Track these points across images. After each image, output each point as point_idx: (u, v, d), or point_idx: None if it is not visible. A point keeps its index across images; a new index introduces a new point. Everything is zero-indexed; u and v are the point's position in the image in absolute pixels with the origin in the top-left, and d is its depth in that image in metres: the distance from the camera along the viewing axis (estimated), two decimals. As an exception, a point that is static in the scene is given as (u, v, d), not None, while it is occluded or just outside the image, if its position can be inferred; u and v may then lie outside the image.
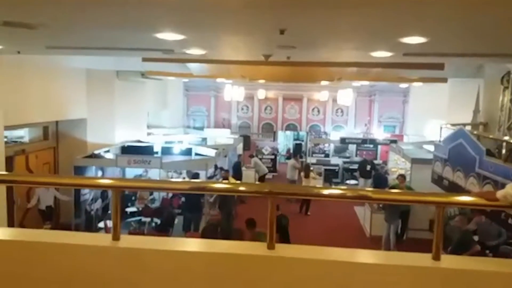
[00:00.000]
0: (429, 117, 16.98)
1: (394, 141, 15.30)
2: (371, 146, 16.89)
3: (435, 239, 2.47)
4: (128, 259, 2.52)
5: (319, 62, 7.02)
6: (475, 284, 2.27)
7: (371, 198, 2.85)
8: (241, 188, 2.93)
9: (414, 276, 2.34)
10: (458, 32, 4.31)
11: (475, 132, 8.26)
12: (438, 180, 9.27)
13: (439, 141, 9.88)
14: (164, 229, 10.03)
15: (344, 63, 6.97)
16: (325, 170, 15.96)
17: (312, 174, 13.83)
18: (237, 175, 14.45)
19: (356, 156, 16.78)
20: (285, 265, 2.38)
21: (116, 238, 2.62)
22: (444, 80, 11.24)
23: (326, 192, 2.60)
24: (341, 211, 14.08)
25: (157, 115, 18.13)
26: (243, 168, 15.50)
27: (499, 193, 2.19)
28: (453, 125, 10.04)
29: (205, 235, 7.38)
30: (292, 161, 15.39)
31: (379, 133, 18.89)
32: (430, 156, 11.82)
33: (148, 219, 10.37)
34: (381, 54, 5.88)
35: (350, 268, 2.35)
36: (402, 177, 11.09)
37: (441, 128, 10.07)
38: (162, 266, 2.47)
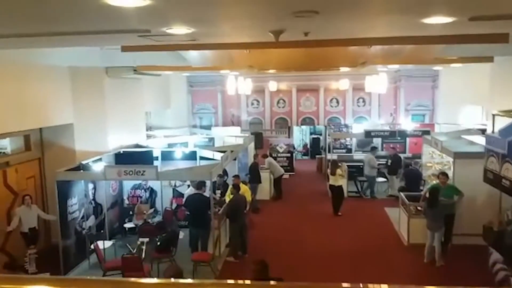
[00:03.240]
0: (463, 102, 15.16)
1: (427, 132, 13.50)
2: (399, 138, 15.11)
3: None
4: None
5: (346, 39, 5.35)
6: None
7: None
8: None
9: None
10: None
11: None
12: (494, 179, 7.51)
13: (492, 131, 8.16)
14: (166, 250, 8.55)
15: (381, 38, 5.29)
16: (348, 166, 14.26)
17: (339, 171, 12.16)
18: (255, 178, 12.92)
19: (382, 150, 15.00)
20: None
21: None
22: (489, 59, 9.41)
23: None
24: (371, 211, 12.45)
25: (160, 115, 16.65)
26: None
27: None
28: (507, 112, 8.32)
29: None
30: (369, 156, 13.86)
31: (407, 123, 17.04)
32: (473, 149, 10.14)
33: (146, 239, 8.85)
34: (438, 20, 4.19)
35: None
36: (444, 175, 9.37)
37: (493, 116, 8.30)
38: None
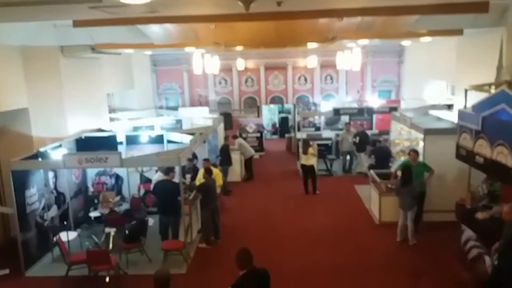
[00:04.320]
0: (428, 78, 15.23)
1: (395, 108, 13.53)
2: (367, 115, 15.12)
3: None
4: None
5: (322, 10, 5.02)
6: None
7: None
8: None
9: None
10: None
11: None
12: (467, 156, 7.47)
13: (464, 107, 8.11)
14: (134, 239, 8.13)
15: (359, 9, 4.98)
16: (317, 145, 14.14)
17: (311, 150, 12.05)
18: (226, 160, 12.60)
19: (350, 127, 14.96)
20: None
21: None
22: (459, 32, 9.33)
23: None
24: (340, 189, 12.39)
25: (123, 96, 15.92)
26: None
27: None
28: (476, 86, 8.28)
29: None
30: (343, 134, 14.01)
31: (374, 100, 17.06)
32: (442, 125, 10.17)
33: (113, 229, 8.40)
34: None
35: None
36: (414, 152, 9.31)
37: (465, 91, 8.22)
38: None
